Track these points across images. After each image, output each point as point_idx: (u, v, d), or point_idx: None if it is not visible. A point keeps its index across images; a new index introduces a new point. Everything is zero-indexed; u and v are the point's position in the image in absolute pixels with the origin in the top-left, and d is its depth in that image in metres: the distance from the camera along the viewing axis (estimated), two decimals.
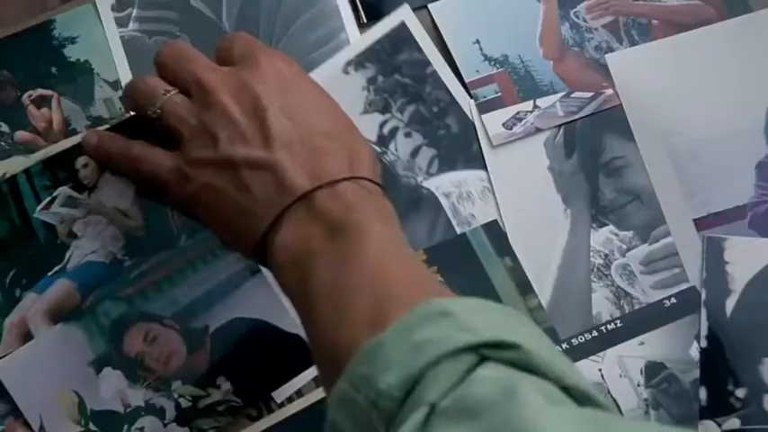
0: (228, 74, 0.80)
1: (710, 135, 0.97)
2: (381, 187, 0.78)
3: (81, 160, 0.92)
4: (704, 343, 0.92)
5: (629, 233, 0.96)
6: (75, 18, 0.99)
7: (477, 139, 0.96)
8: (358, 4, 1.01)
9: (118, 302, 0.92)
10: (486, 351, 0.59)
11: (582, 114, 0.99)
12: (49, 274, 0.91)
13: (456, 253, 0.95)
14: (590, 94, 1.00)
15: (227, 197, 0.78)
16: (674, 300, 0.94)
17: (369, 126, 0.94)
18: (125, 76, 0.97)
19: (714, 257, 0.94)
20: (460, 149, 0.96)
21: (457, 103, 0.97)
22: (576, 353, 0.93)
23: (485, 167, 0.95)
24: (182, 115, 0.80)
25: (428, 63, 0.97)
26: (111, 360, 0.90)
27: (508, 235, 0.96)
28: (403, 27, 0.98)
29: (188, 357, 0.90)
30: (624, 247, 0.95)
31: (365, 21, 1.00)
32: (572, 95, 1.00)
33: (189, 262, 0.93)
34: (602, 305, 0.94)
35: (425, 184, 0.94)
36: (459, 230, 0.93)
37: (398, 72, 0.96)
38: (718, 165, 0.97)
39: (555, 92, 1.00)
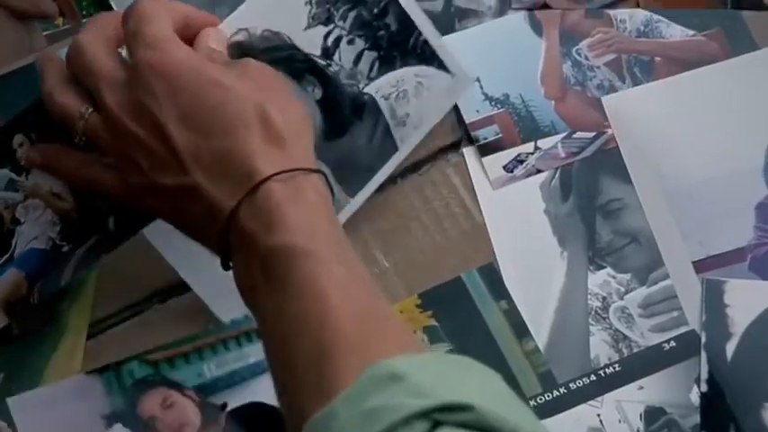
0: (124, 93, 0.75)
1: (709, 176, 0.96)
2: (312, 169, 0.74)
3: (17, 139, 0.91)
4: (704, 387, 0.91)
5: (627, 275, 0.95)
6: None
7: (417, 34, 0.91)
8: None
9: (145, 365, 0.91)
10: (439, 415, 0.58)
11: (584, 155, 0.98)
12: None
13: (451, 296, 0.94)
14: (592, 134, 1.00)
15: (178, 219, 0.77)
16: (673, 343, 0.93)
17: (313, 40, 0.88)
18: None
19: (714, 300, 0.93)
20: (398, 47, 0.91)
21: (396, 0, 0.91)
22: (574, 397, 0.92)
23: (421, 61, 0.91)
24: (104, 141, 0.78)
25: None
26: (124, 418, 0.90)
27: (504, 278, 0.95)
28: None
29: (200, 430, 0.89)
30: (622, 289, 0.94)
31: None
32: (574, 136, 1.00)
33: (222, 340, 0.92)
34: (601, 348, 0.93)
35: (367, 89, 0.90)
36: (394, 132, 0.90)
37: None
38: (717, 206, 0.96)
39: (556, 132, 0.99)
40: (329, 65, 0.89)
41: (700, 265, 0.95)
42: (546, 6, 1.03)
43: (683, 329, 0.93)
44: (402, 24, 0.91)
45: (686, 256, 0.95)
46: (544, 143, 0.99)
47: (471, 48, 0.99)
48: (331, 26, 0.89)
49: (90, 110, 0.77)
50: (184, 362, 0.91)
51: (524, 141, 0.99)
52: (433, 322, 0.93)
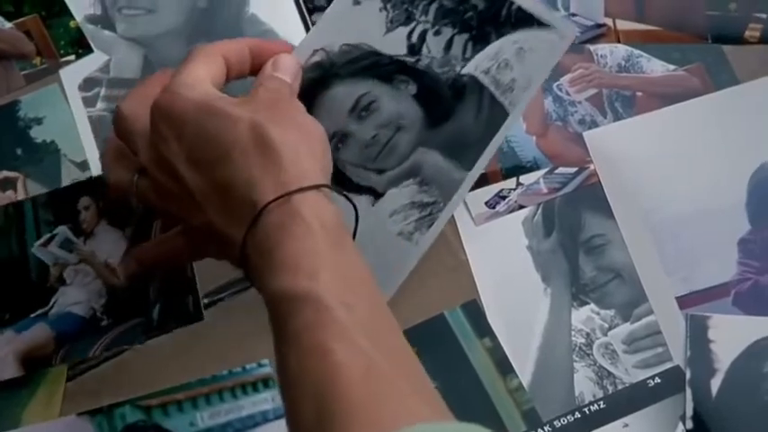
0: (150, 149, 0.77)
1: (692, 211, 0.96)
2: (311, 187, 0.73)
3: (83, 201, 0.93)
4: (690, 424, 0.90)
5: (611, 311, 0.94)
6: (41, 98, 0.99)
7: (508, 4, 0.89)
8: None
9: (137, 410, 0.91)
10: None
11: (566, 190, 0.98)
12: (32, 315, 0.91)
13: (434, 334, 0.94)
14: (574, 170, 0.99)
15: (225, 257, 0.79)
16: (657, 380, 0.92)
17: (396, 43, 0.89)
18: (93, 156, 0.97)
19: (698, 336, 0.92)
20: (491, 23, 0.89)
21: None
22: None
23: (517, 27, 0.89)
24: (152, 202, 0.80)
25: None
26: None
27: (487, 314, 0.94)
28: None
29: None
30: (606, 325, 0.94)
31: None
32: (556, 171, 0.99)
33: (217, 391, 0.92)
34: (585, 385, 0.92)
35: (465, 70, 0.89)
36: (502, 100, 0.88)
37: None
38: (699, 241, 0.96)
39: (538, 168, 0.99)
40: (419, 60, 0.89)
41: (683, 301, 0.94)
42: None
43: (667, 365, 0.92)
44: (489, 2, 0.90)
45: (670, 292, 0.94)
46: (526, 179, 0.99)
47: None
48: (413, 24, 0.90)
49: (137, 176, 0.80)
50: (177, 409, 0.91)
51: (506, 177, 0.99)
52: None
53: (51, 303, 0.93)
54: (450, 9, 0.90)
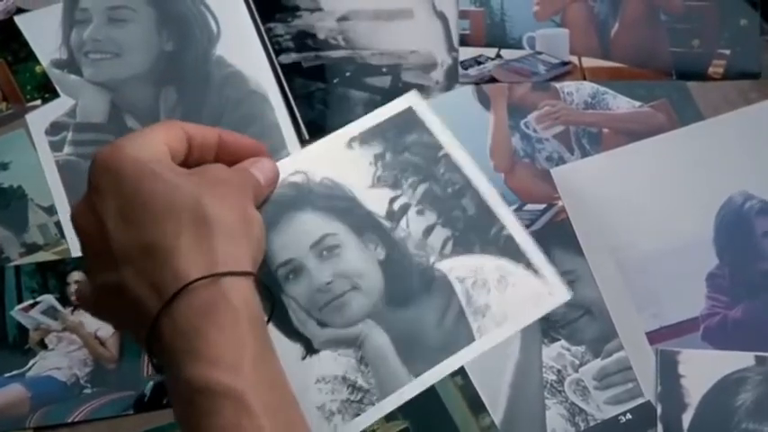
0: (83, 199, 0.73)
1: (660, 247, 0.97)
2: (241, 273, 0.69)
3: (74, 275, 0.92)
4: None
5: (582, 348, 0.94)
6: (8, 143, 0.99)
7: (500, 227, 0.89)
8: (299, 121, 1.01)
9: None
10: None
11: (535, 228, 0.98)
12: (7, 375, 0.90)
13: None
14: (542, 207, 1.00)
15: (114, 319, 0.77)
16: (629, 416, 0.92)
17: (378, 200, 0.88)
18: (60, 200, 0.97)
19: (668, 371, 0.92)
20: (477, 233, 0.89)
21: (473, 185, 0.90)
22: None
23: (505, 255, 0.88)
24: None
25: (440, 146, 0.91)
26: None
27: None
28: (410, 111, 0.93)
29: None
30: (577, 362, 0.94)
31: (307, 137, 1.00)
32: (524, 208, 1.00)
33: None
34: (557, 422, 0.92)
35: (438, 265, 0.87)
36: (471, 320, 0.85)
37: (408, 151, 0.91)
38: (668, 277, 0.96)
39: (507, 205, 0.99)
40: (394, 228, 0.87)
41: (653, 336, 0.94)
42: (493, 80, 1.04)
43: (638, 401, 0.93)
44: (481, 211, 0.89)
45: (640, 327, 0.94)
46: None
47: None
48: (398, 191, 0.89)
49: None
50: None
51: None
52: None
53: (29, 366, 0.92)
54: (439, 197, 0.89)
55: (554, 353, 0.94)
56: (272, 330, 0.77)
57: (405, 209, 0.88)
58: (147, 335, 0.67)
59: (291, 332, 0.84)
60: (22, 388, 0.91)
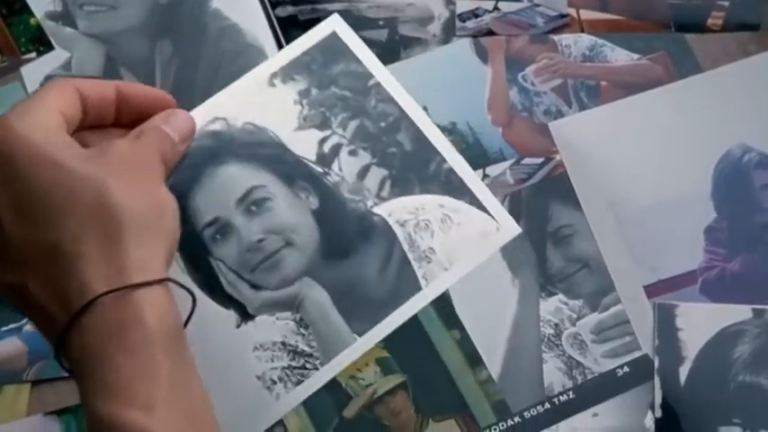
0: None
1: (658, 201, 0.96)
2: (152, 282, 0.62)
3: None
4: (659, 413, 0.90)
5: (579, 302, 0.94)
6: (2, 97, 0.99)
7: (439, 160, 0.82)
8: None
9: None
10: None
11: (533, 181, 0.98)
12: (4, 329, 0.90)
13: (403, 327, 0.92)
14: (540, 160, 0.99)
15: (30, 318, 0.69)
16: (626, 369, 0.92)
17: (307, 143, 0.81)
18: None
19: (666, 324, 0.92)
20: (416, 170, 0.82)
21: (408, 117, 0.83)
22: (529, 426, 0.91)
23: (447, 191, 0.81)
24: None
25: (370, 75, 0.83)
26: None
27: (456, 307, 0.94)
28: (334, 37, 0.84)
29: None
30: (574, 315, 0.94)
31: None
32: (522, 162, 0.99)
33: None
34: (554, 376, 0.92)
35: (376, 209, 0.81)
36: (416, 267, 0.79)
37: (335, 84, 0.82)
38: (666, 230, 0.96)
39: (505, 159, 0.99)
40: (327, 173, 0.80)
41: (651, 290, 0.94)
42: (491, 33, 1.03)
43: (636, 354, 0.93)
44: (418, 145, 0.82)
45: (638, 281, 0.94)
46: (493, 170, 0.99)
47: (417, 76, 0.99)
48: (327, 132, 0.81)
49: None
50: None
51: (473, 169, 0.98)
52: (386, 353, 0.92)
53: (25, 320, 0.92)
54: (371, 133, 0.82)
55: (551, 307, 0.94)
56: (202, 299, 0.73)
57: (336, 150, 0.81)
58: (55, 347, 0.62)
59: (223, 298, 0.77)
60: (19, 342, 0.90)
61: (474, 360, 0.92)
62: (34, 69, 1.02)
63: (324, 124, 0.81)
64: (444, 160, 0.81)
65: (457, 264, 0.79)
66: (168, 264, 0.65)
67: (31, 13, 1.03)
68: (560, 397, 0.92)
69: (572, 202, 0.97)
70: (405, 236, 0.80)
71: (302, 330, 0.77)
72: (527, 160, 0.99)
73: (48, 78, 1.00)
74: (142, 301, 0.61)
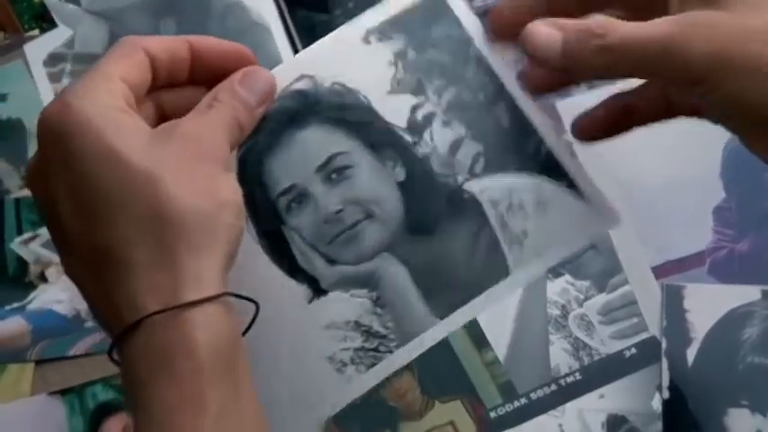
0: (36, 161, 0.61)
1: (666, 181, 0.96)
2: (211, 298, 0.58)
3: None
4: (666, 394, 0.90)
5: (586, 282, 0.93)
6: (6, 74, 0.98)
7: (537, 140, 0.74)
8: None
9: (109, 389, 0.90)
10: None
11: None
12: (7, 308, 0.89)
13: None
14: None
15: None
16: (633, 350, 0.92)
17: (398, 109, 0.73)
18: None
19: (674, 306, 0.92)
20: (513, 148, 0.74)
21: (507, 90, 0.74)
22: (535, 408, 0.91)
23: (544, 173, 0.73)
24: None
25: (471, 41, 0.74)
26: None
27: None
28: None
29: None
30: (581, 296, 0.93)
31: None
32: None
33: None
34: (561, 357, 0.92)
35: (467, 186, 0.73)
36: (506, 251, 0.72)
37: (434, 48, 0.74)
38: (674, 211, 0.95)
39: None
40: (417, 143, 0.73)
41: (659, 271, 0.94)
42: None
43: (643, 336, 0.92)
44: (516, 122, 0.74)
45: (645, 262, 0.94)
46: None
47: None
48: (421, 98, 0.73)
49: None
50: None
51: None
52: None
53: (29, 299, 0.92)
54: (467, 105, 0.74)
55: (558, 288, 0.94)
56: (273, 270, 0.69)
57: (429, 119, 0.73)
58: (109, 353, 0.59)
59: (295, 271, 0.71)
60: (22, 321, 0.90)
61: (480, 341, 0.92)
62: (37, 47, 1.02)
63: (418, 90, 0.73)
64: (543, 141, 0.74)
65: (550, 250, 0.72)
66: (228, 268, 0.60)
67: None
68: (567, 378, 0.91)
69: None
70: (497, 216, 0.73)
71: (378, 310, 0.72)
72: None
73: (51, 56, 1.00)
74: (194, 323, 0.57)
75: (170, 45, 0.65)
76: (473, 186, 0.73)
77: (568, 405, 0.91)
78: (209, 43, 0.67)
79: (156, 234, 0.57)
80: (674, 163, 0.96)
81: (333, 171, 0.71)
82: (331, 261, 0.71)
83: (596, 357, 0.92)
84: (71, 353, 0.90)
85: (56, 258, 0.91)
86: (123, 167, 0.57)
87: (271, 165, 0.71)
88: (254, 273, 0.67)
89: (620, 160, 0.96)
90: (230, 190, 0.61)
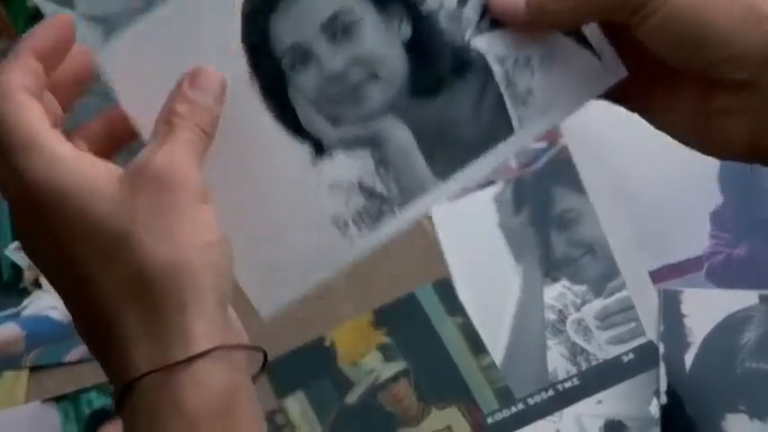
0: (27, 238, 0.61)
1: (664, 184, 0.95)
2: (212, 350, 0.56)
3: None
4: (664, 399, 0.90)
5: (584, 287, 0.93)
6: None
7: None
8: None
9: (104, 395, 0.90)
10: None
11: (537, 166, 0.97)
12: (1, 314, 0.89)
13: (405, 312, 0.93)
14: (545, 144, 0.98)
15: None
16: (631, 355, 0.92)
17: None
18: None
19: (671, 310, 0.92)
20: None
21: None
22: (533, 413, 0.91)
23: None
24: None
25: None
26: None
27: (458, 293, 0.93)
28: None
29: None
30: (578, 301, 0.93)
31: None
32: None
33: None
34: (558, 362, 0.91)
35: (474, 43, 0.69)
36: (511, 110, 0.69)
37: None
38: (672, 215, 0.95)
39: None
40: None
41: (656, 275, 0.94)
42: None
43: (641, 341, 0.92)
44: None
45: (642, 266, 0.94)
46: None
47: None
48: None
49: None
50: None
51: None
52: (387, 339, 0.92)
53: (24, 305, 0.91)
54: None
55: (555, 292, 0.94)
56: (277, 131, 0.67)
57: None
58: (115, 410, 0.58)
59: (298, 130, 0.69)
60: (16, 327, 0.90)
61: (477, 346, 0.92)
62: None
63: None
64: None
65: (555, 107, 0.70)
66: (224, 309, 0.58)
67: None
68: (564, 383, 0.91)
69: (576, 187, 0.96)
70: (502, 74, 0.70)
71: (381, 171, 0.69)
72: (531, 144, 0.98)
73: None
74: (182, 382, 0.55)
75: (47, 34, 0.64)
76: (480, 43, 0.69)
77: (566, 410, 0.91)
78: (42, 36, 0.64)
79: (140, 297, 0.55)
80: (671, 166, 0.96)
81: (337, 29, 0.68)
82: (334, 120, 0.69)
83: (594, 362, 0.92)
84: (66, 359, 0.90)
85: None
86: (100, 234, 0.56)
87: (275, 22, 0.68)
88: (259, 133, 0.66)
89: (617, 163, 0.96)
90: (208, 229, 0.59)
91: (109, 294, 0.56)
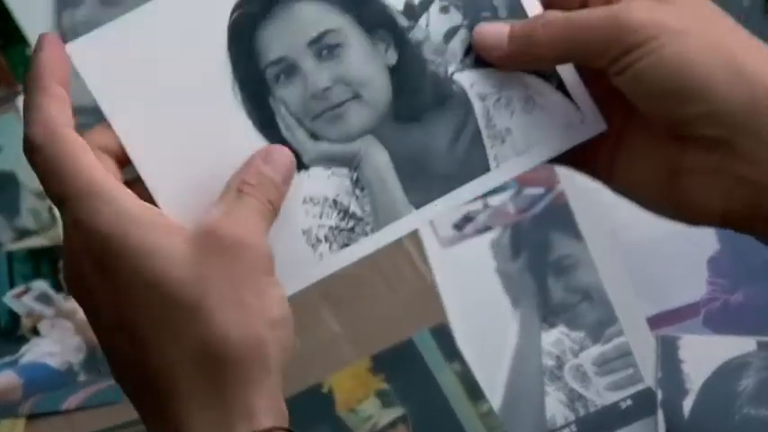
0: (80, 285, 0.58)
1: (660, 230, 0.95)
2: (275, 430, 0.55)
3: None
4: None
5: (581, 333, 0.93)
6: None
7: None
8: None
9: None
10: None
11: (534, 212, 0.97)
12: None
13: (403, 358, 0.93)
14: (542, 190, 0.99)
15: None
16: (629, 401, 0.91)
17: None
18: None
19: (669, 357, 0.92)
20: None
21: None
22: None
23: (538, 73, 0.71)
24: None
25: None
26: None
27: (456, 338, 0.93)
28: None
29: None
30: (576, 347, 0.93)
31: None
32: (523, 192, 0.99)
33: None
34: (556, 408, 0.91)
35: (457, 77, 0.71)
36: (488, 146, 0.70)
37: None
38: (669, 261, 0.95)
39: (505, 188, 0.98)
40: (412, 27, 0.70)
41: (654, 321, 0.94)
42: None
43: (639, 387, 0.92)
44: (513, 15, 0.71)
45: (640, 313, 0.94)
46: (494, 200, 0.98)
47: None
48: None
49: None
50: None
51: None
52: (386, 385, 0.91)
53: (21, 352, 0.91)
54: None
55: (553, 338, 0.94)
56: (258, 140, 0.68)
57: (427, 3, 0.71)
58: None
59: (279, 142, 0.69)
60: (14, 375, 0.90)
61: (475, 393, 0.92)
62: None
63: None
64: None
65: (532, 150, 0.71)
66: (281, 386, 0.58)
67: (27, 43, 1.03)
68: (562, 430, 0.91)
69: (573, 233, 0.97)
70: (483, 110, 0.71)
71: (357, 192, 0.70)
72: (528, 190, 0.99)
73: None
74: None
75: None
76: (463, 78, 0.71)
77: None
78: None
79: (205, 369, 0.55)
80: None
81: (324, 47, 0.69)
82: (315, 136, 0.69)
83: (592, 409, 0.92)
84: (63, 407, 0.90)
85: (48, 311, 0.91)
86: (175, 303, 0.55)
87: (263, 33, 0.69)
88: (239, 142, 0.66)
89: (614, 210, 0.96)
90: (279, 304, 0.59)
91: (172, 365, 0.55)
